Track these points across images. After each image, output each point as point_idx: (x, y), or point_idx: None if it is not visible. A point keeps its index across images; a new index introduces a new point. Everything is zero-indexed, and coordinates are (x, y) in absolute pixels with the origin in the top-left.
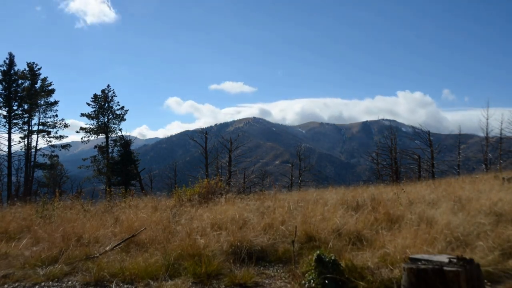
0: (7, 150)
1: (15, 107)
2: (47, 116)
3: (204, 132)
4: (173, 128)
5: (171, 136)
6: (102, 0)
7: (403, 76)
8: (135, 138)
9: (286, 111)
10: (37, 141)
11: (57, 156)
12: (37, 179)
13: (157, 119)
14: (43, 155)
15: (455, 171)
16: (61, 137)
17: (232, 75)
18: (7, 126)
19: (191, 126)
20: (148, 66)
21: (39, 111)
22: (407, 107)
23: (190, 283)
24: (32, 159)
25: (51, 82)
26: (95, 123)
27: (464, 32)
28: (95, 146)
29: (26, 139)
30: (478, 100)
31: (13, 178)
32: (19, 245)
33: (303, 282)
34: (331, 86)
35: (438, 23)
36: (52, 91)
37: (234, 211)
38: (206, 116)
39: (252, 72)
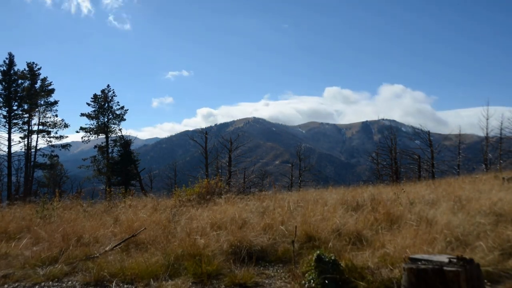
0: (7, 150)
1: (15, 107)
2: (47, 116)
3: (204, 132)
4: (147, 131)
5: (171, 136)
6: None
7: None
8: (135, 138)
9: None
10: (37, 141)
11: (57, 156)
12: (37, 179)
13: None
14: (43, 155)
15: (455, 171)
16: (61, 137)
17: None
18: (7, 126)
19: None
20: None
21: (39, 111)
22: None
23: (190, 283)
24: (32, 159)
25: (51, 82)
26: (95, 123)
27: (458, 29)
28: (95, 146)
29: (26, 139)
30: (476, 99)
31: (13, 178)
32: (19, 245)
33: (303, 282)
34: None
35: (428, 17)
36: (52, 91)
37: (234, 211)
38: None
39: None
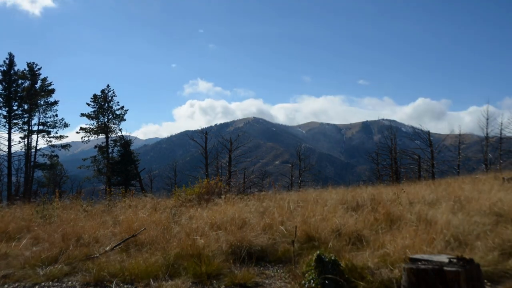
0: (7, 150)
1: (15, 107)
2: (47, 116)
3: (204, 132)
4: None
5: (171, 136)
6: None
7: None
8: (135, 138)
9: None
10: (37, 141)
11: (57, 156)
12: (37, 179)
13: None
14: (43, 155)
15: (455, 171)
16: (61, 137)
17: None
18: (7, 126)
19: None
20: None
21: (39, 111)
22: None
23: (190, 283)
24: (32, 159)
25: (51, 82)
26: (95, 123)
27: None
28: (95, 146)
29: (26, 139)
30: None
31: (13, 178)
32: (19, 245)
33: (303, 282)
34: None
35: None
36: (52, 91)
37: (234, 211)
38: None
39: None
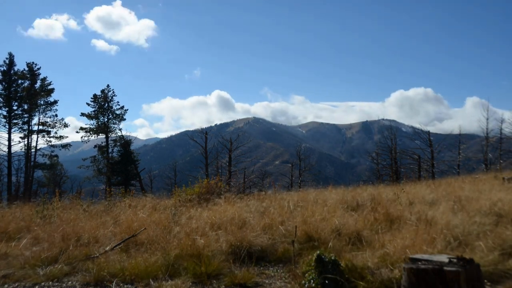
0: (7, 150)
1: (15, 107)
2: (46, 116)
3: (204, 132)
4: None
5: (171, 136)
6: None
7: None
8: (135, 138)
9: None
10: (37, 141)
11: (56, 156)
12: (37, 179)
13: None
14: (43, 155)
15: (455, 171)
16: (60, 137)
17: None
18: (7, 126)
19: None
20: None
21: (39, 111)
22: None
23: (190, 283)
24: (32, 159)
25: (50, 82)
26: (95, 123)
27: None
28: (95, 146)
29: (26, 139)
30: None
31: (13, 178)
32: (19, 245)
33: (303, 282)
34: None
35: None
36: (52, 90)
37: (234, 211)
38: None
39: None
